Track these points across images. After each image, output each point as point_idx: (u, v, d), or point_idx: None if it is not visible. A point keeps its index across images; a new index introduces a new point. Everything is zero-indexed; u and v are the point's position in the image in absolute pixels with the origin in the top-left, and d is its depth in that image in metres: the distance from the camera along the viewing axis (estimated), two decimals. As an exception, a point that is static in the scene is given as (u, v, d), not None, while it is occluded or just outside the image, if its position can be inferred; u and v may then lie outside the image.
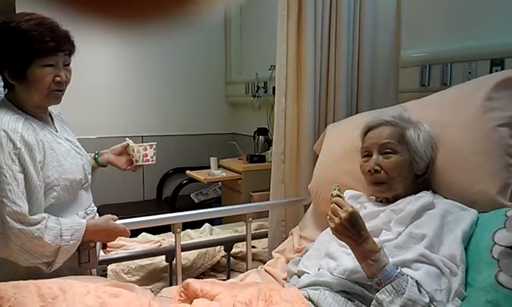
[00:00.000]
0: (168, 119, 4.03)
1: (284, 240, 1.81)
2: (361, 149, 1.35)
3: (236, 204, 2.76)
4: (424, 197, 1.21)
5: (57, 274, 1.24)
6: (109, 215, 1.37)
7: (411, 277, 1.01)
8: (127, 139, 1.55)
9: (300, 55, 1.87)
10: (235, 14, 4.23)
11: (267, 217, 2.00)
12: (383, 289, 0.99)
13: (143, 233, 2.37)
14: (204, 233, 2.50)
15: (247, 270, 1.72)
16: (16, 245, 1.14)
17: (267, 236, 1.97)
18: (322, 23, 1.88)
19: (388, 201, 1.30)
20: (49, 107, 1.38)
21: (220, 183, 3.63)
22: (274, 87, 3.37)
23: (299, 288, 1.18)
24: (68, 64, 1.29)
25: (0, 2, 3.01)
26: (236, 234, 2.40)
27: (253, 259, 1.79)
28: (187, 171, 3.35)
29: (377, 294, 1.01)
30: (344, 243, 1.12)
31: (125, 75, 3.88)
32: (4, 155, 1.14)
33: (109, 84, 3.79)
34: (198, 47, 4.11)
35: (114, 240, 1.41)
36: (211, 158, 3.37)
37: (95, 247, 1.36)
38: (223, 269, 2.14)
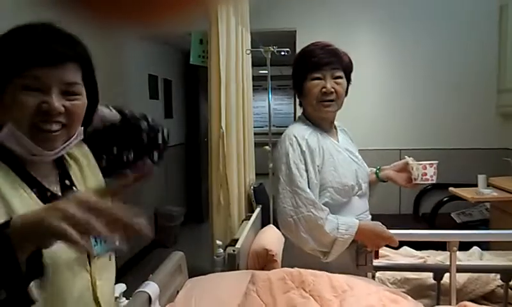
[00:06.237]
0: (429, 132, 3.85)
1: None
2: None
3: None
4: None
5: (341, 271, 1.40)
6: (379, 222, 1.45)
7: None
8: (405, 157, 1.53)
9: None
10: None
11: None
12: None
13: (405, 247, 2.36)
14: (473, 257, 2.29)
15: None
16: (304, 228, 1.35)
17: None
18: None
19: None
20: (335, 121, 1.58)
21: (488, 203, 3.25)
22: None
23: None
24: (338, 78, 1.43)
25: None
26: (514, 263, 2.10)
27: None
28: (451, 188, 3.13)
29: None
30: None
31: (386, 86, 3.92)
32: (295, 154, 1.40)
33: (369, 96, 3.88)
34: (464, 52, 3.77)
35: (380, 244, 1.44)
36: (479, 175, 3.04)
37: (371, 252, 1.47)
38: (498, 300, 1.92)
